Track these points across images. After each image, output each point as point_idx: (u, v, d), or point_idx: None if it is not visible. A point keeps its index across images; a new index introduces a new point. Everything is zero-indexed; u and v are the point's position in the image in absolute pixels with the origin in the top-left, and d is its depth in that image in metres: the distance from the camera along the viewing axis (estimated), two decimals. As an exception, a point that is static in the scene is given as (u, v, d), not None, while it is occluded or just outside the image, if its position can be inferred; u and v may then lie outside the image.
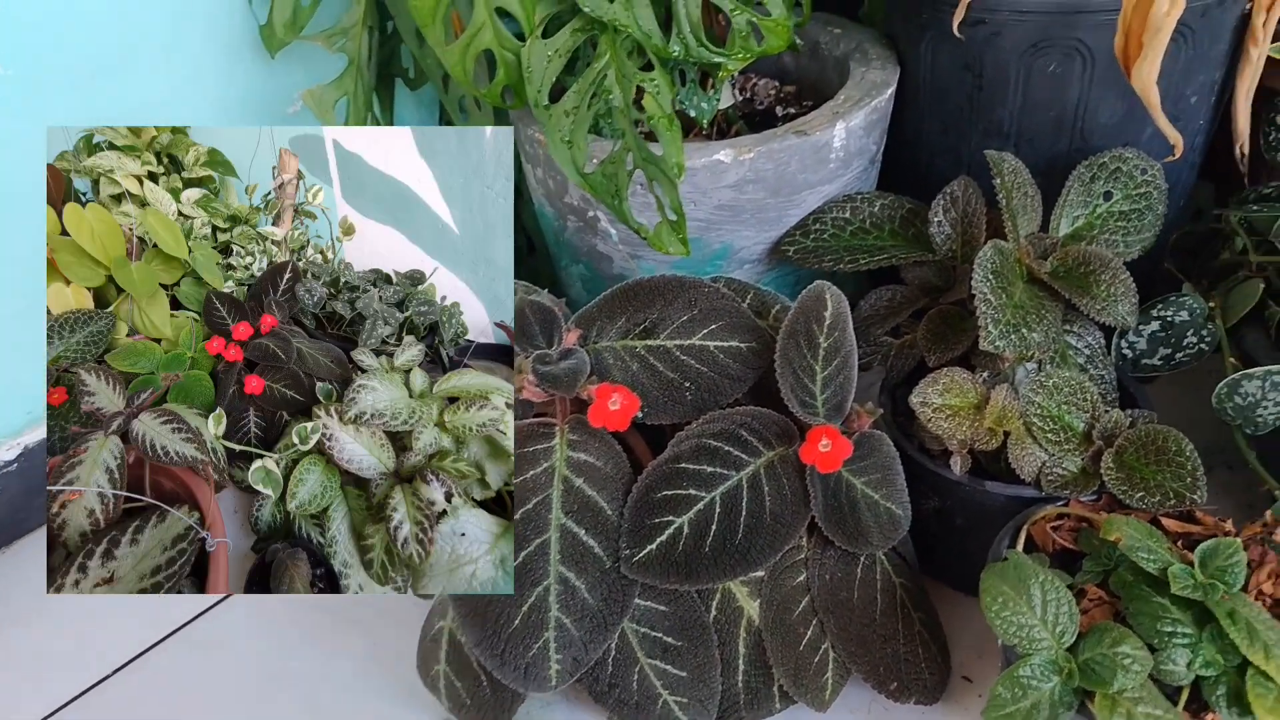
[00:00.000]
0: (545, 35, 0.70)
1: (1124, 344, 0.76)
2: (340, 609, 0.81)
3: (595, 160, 0.73)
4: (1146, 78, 0.64)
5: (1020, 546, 0.63)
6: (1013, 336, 0.67)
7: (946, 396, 0.67)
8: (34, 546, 0.91)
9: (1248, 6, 0.77)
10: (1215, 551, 0.57)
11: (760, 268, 0.84)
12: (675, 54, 0.70)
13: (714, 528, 0.64)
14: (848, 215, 0.81)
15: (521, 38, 0.70)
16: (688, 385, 0.67)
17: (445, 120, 1.02)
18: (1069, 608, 0.56)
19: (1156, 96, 0.65)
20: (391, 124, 0.95)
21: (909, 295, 0.78)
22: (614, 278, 0.87)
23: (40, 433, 0.89)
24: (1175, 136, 0.69)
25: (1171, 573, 0.56)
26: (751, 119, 0.93)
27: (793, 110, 0.93)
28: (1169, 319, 0.75)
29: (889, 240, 0.80)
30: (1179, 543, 0.62)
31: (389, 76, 0.92)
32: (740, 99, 0.95)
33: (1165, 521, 0.63)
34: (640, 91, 0.70)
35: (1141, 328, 0.76)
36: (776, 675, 0.67)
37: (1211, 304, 0.75)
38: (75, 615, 0.83)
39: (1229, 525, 0.62)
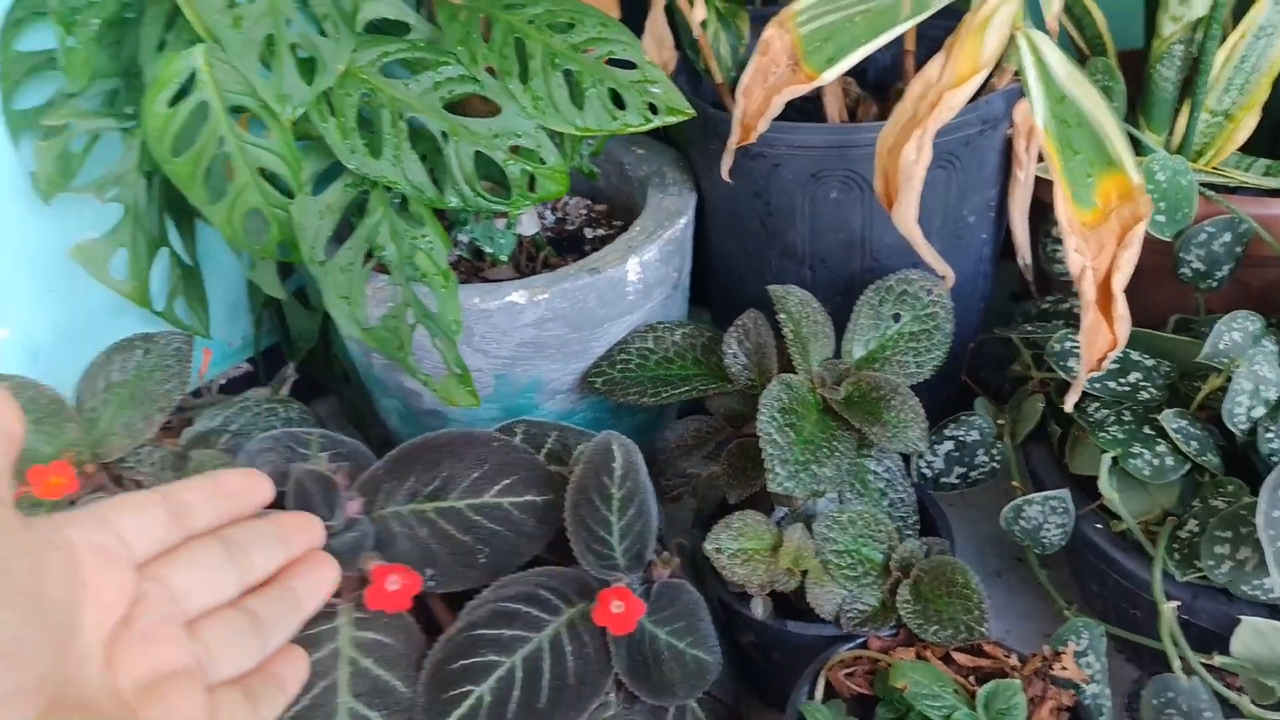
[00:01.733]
0: (315, 192, 0.69)
1: (922, 464, 0.78)
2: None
3: (376, 311, 0.71)
4: (906, 218, 0.66)
5: (819, 695, 0.63)
6: (802, 475, 0.68)
7: (740, 541, 0.67)
8: None
9: (1009, 131, 0.81)
10: (995, 694, 0.58)
11: (573, 398, 0.83)
12: (452, 204, 0.69)
13: (516, 693, 0.62)
14: (651, 345, 0.81)
15: (290, 194, 0.68)
16: (481, 547, 0.65)
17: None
18: (855, 768, 0.56)
19: (918, 234, 0.68)
20: (196, 261, 0.91)
21: (714, 426, 0.78)
22: (426, 412, 0.85)
23: None
24: (945, 270, 0.72)
25: (955, 719, 0.57)
26: (561, 241, 0.92)
27: (602, 231, 0.93)
28: (960, 438, 0.77)
29: (692, 369, 0.80)
30: (970, 678, 0.63)
31: (189, 212, 0.89)
32: (552, 219, 0.95)
33: (957, 655, 0.64)
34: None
35: (936, 447, 0.78)
36: (588, 842, 0.65)
37: (1000, 421, 0.78)
38: None
39: (1014, 659, 0.63)
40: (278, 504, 0.66)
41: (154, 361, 0.80)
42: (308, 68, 0.64)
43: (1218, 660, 0.61)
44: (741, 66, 0.90)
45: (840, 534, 0.68)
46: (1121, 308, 0.62)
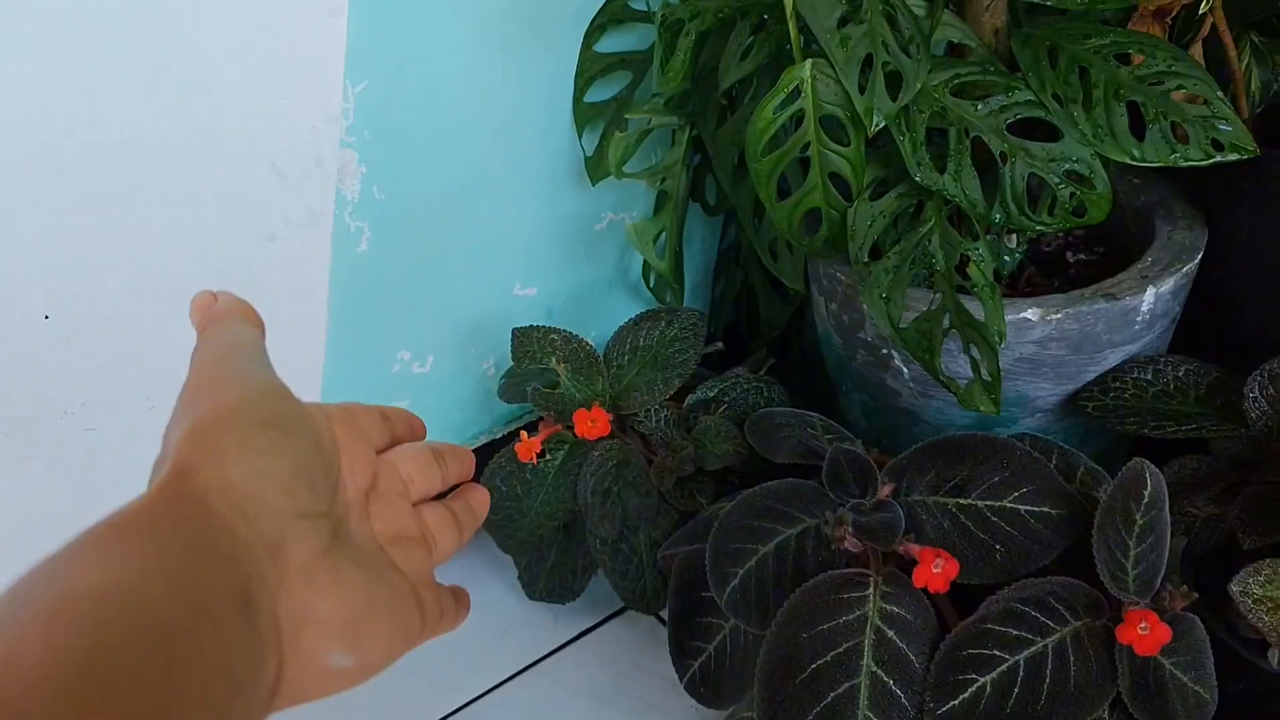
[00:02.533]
0: (872, 198, 0.75)
1: None
2: (616, 700, 0.87)
3: (910, 313, 0.77)
4: None
5: (1348, 756, 0.62)
6: (1344, 532, 0.66)
7: (1269, 588, 0.67)
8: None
9: None
10: None
11: (1052, 418, 0.85)
12: (996, 220, 0.73)
13: (1016, 690, 0.66)
14: (1150, 377, 0.81)
15: (849, 198, 0.75)
16: (997, 547, 0.69)
17: (733, 242, 1.08)
18: None
19: None
20: (680, 248, 1.02)
21: (1218, 468, 0.77)
22: (898, 410, 0.90)
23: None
24: None
25: None
26: (1040, 262, 0.94)
27: (1083, 256, 0.94)
28: None
29: (1194, 408, 0.80)
30: None
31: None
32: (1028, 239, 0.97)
33: None
34: (964, 258, 0.73)
35: None
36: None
37: None
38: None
39: None
40: (801, 472, 0.74)
41: (675, 332, 0.91)
42: (892, 84, 0.70)
43: None
44: (1269, 103, 0.87)
45: (1376, 600, 0.66)
46: None
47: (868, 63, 0.70)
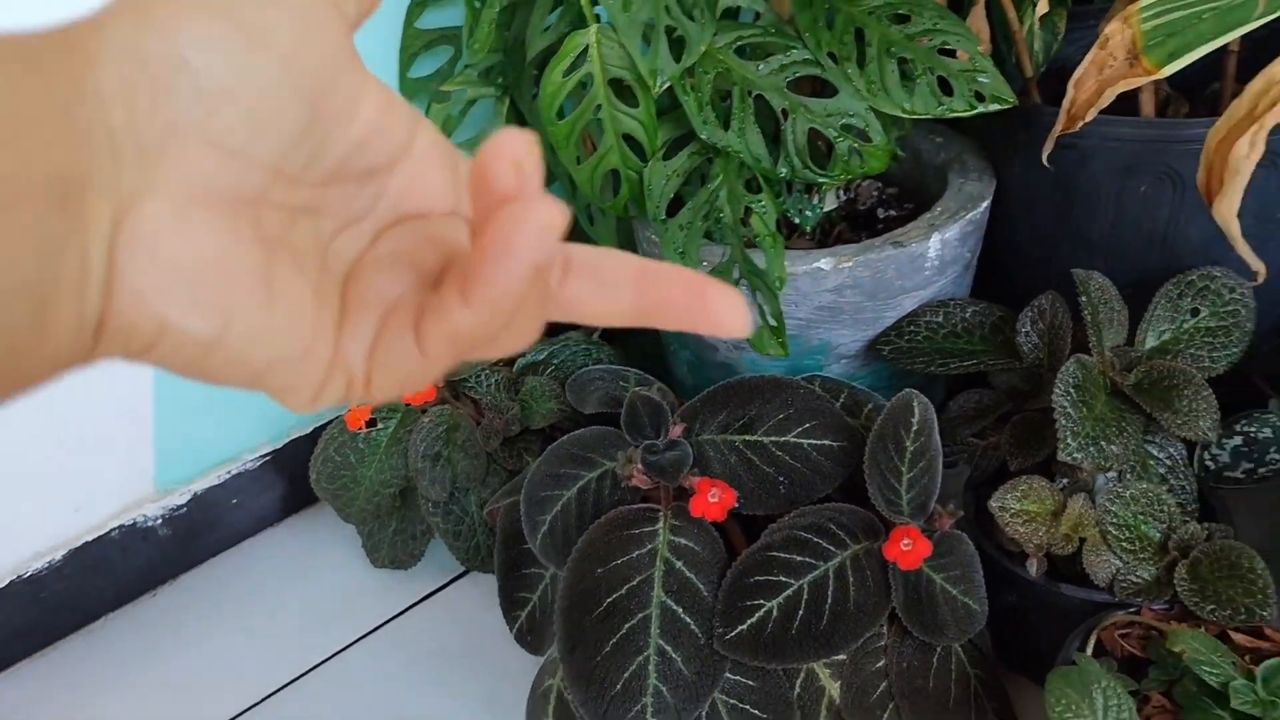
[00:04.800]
0: (665, 158, 0.79)
1: (1207, 456, 0.79)
2: (460, 659, 0.90)
3: (705, 265, 0.81)
4: (1227, 212, 0.68)
5: (1089, 650, 0.67)
6: (1091, 449, 0.71)
7: (1025, 503, 0.72)
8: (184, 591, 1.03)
9: (1340, 136, 0.80)
10: (1275, 672, 0.60)
11: (856, 363, 0.90)
12: (782, 174, 0.78)
13: (801, 613, 0.70)
14: (940, 320, 0.87)
15: (644, 158, 0.79)
16: (782, 480, 0.73)
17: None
18: (1130, 714, 0.60)
19: (1237, 228, 0.69)
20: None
21: (996, 400, 0.83)
22: (718, 365, 0.94)
23: (211, 480, 1.01)
24: (1258, 265, 0.73)
25: (1233, 688, 0.59)
26: (854, 219, 0.99)
27: (894, 213, 0.99)
28: (1252, 434, 0.78)
29: (979, 345, 0.85)
30: (1246, 657, 0.65)
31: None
32: (844, 199, 1.02)
33: (1234, 635, 0.66)
34: (748, 210, 0.77)
35: (1225, 441, 0.79)
36: (854, 753, 0.72)
37: (1296, 422, 0.78)
38: (220, 648, 0.94)
39: (1296, 644, 0.65)
40: (612, 422, 0.77)
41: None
42: (676, 47, 0.74)
43: None
44: (1051, 63, 0.93)
45: (1122, 509, 0.71)
46: None
47: (655, 27, 0.74)
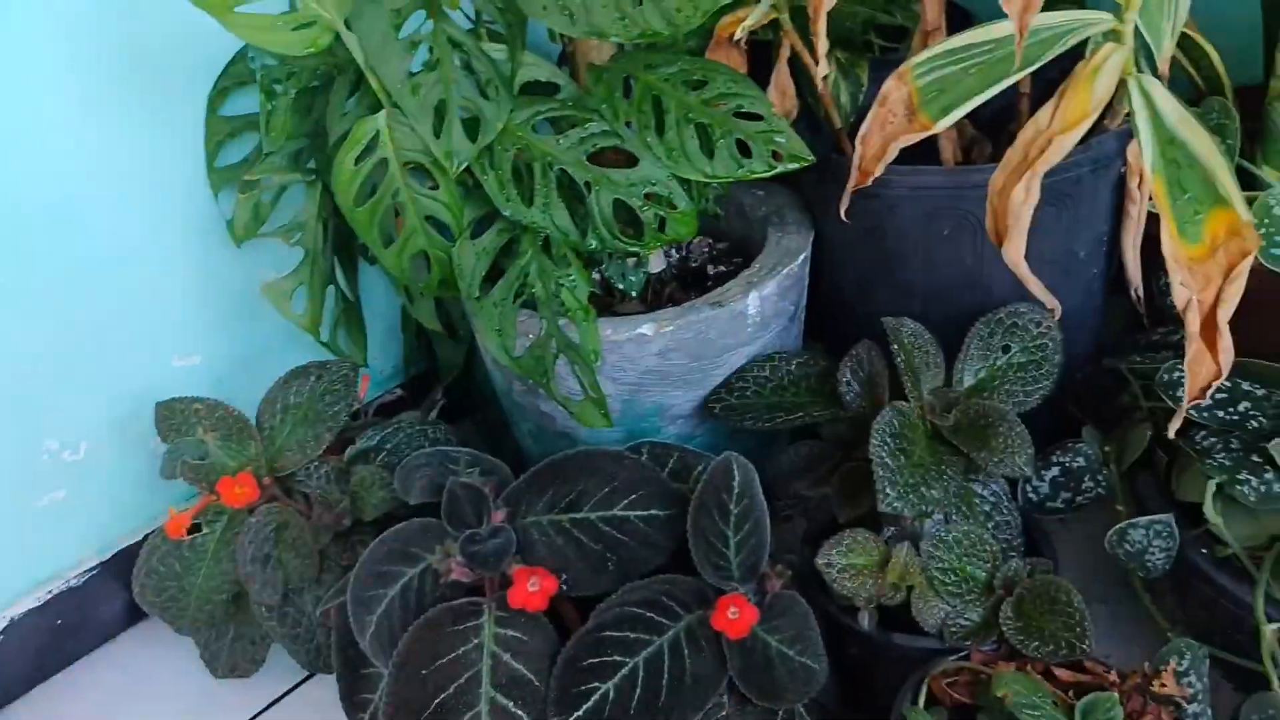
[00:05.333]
0: (474, 236, 0.78)
1: (1028, 488, 0.81)
2: None
3: (529, 336, 0.80)
4: (1015, 255, 0.70)
5: (921, 702, 0.67)
6: (911, 496, 0.72)
7: (850, 557, 0.72)
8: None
9: (1122, 169, 0.84)
10: (1093, 707, 0.61)
11: (692, 423, 0.90)
12: (593, 246, 0.77)
13: (638, 692, 0.69)
14: (768, 374, 0.87)
15: (452, 238, 0.77)
16: (610, 556, 0.72)
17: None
18: (954, 769, 0.60)
19: (1025, 269, 0.71)
20: (357, 297, 1.02)
21: (826, 450, 0.83)
22: (557, 434, 0.93)
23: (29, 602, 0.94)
24: (1052, 303, 0.75)
25: (1052, 729, 0.60)
26: (686, 277, 0.99)
27: (724, 268, 1.00)
28: (1067, 465, 0.80)
29: (805, 397, 0.86)
30: (1069, 693, 0.66)
31: (352, 254, 1.00)
32: (677, 258, 1.02)
33: (1057, 671, 0.67)
34: (560, 284, 0.77)
35: (1044, 473, 0.81)
36: (704, 830, 0.70)
37: (1106, 449, 0.80)
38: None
39: (1113, 675, 0.66)
40: (433, 513, 0.75)
41: (325, 386, 0.91)
42: (472, 126, 0.73)
43: (1326, 690, 0.62)
44: (860, 113, 0.95)
45: (946, 552, 0.72)
46: (1226, 340, 0.64)
47: (444, 108, 0.73)
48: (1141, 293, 0.90)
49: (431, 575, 0.71)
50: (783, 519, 0.83)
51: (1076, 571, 0.89)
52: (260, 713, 0.92)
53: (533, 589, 0.65)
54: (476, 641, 0.68)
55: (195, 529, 0.86)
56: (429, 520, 0.74)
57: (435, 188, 0.76)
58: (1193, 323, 0.64)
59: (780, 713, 0.72)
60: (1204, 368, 0.64)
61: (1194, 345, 0.64)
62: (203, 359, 1.00)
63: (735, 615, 0.67)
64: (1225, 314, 0.64)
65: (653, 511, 0.74)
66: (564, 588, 0.70)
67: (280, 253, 1.00)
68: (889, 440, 0.74)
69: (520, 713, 0.67)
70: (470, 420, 1.09)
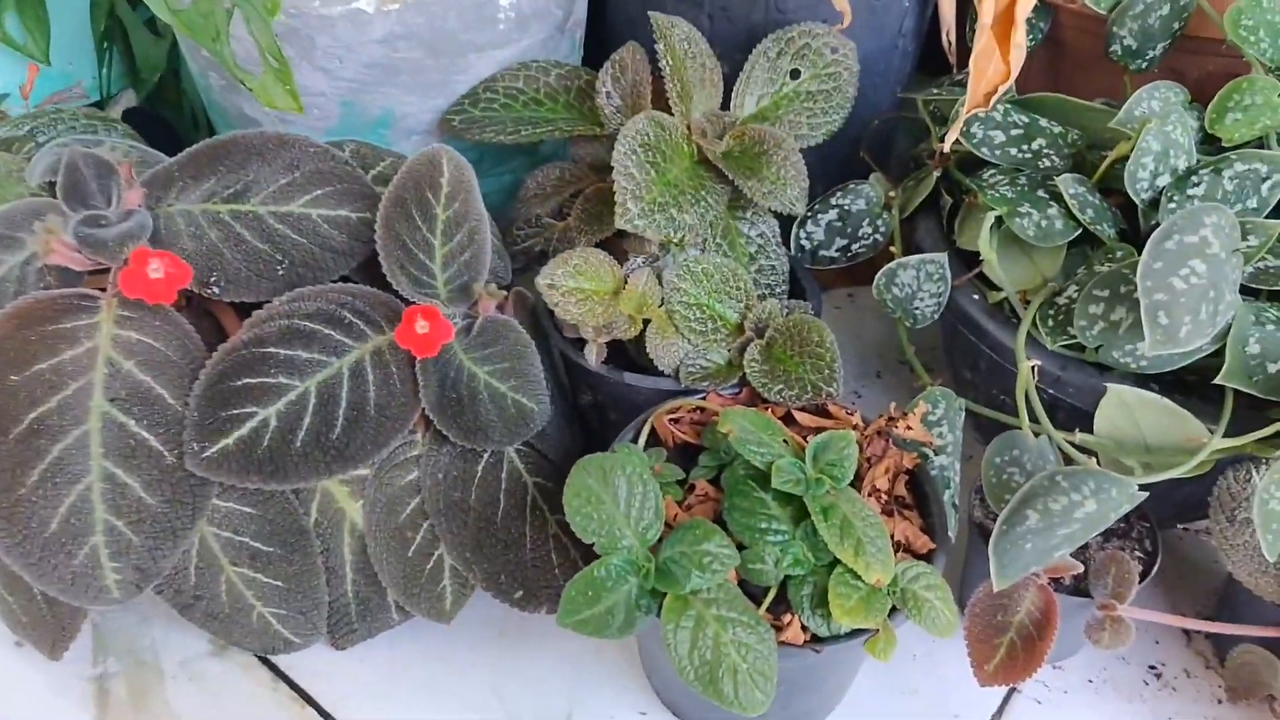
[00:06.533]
0: None
1: (802, 234, 0.72)
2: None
3: (199, -6, 0.62)
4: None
5: (642, 443, 0.58)
6: (657, 216, 0.61)
7: (579, 279, 0.61)
8: None
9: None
10: (826, 445, 0.53)
11: (430, 139, 0.75)
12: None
13: (308, 420, 0.56)
14: (521, 85, 0.73)
15: None
16: (280, 260, 0.58)
17: None
18: (655, 501, 0.50)
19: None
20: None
21: (576, 173, 0.71)
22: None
23: None
24: (842, 5, 0.63)
25: (775, 466, 0.51)
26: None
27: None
28: (846, 207, 0.70)
29: (562, 113, 0.72)
30: (808, 438, 0.57)
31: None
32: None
33: (799, 416, 0.59)
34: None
35: (820, 216, 0.71)
36: (384, 583, 0.60)
37: (891, 193, 0.71)
38: None
39: (857, 419, 0.58)
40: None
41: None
42: None
43: (1079, 438, 0.55)
44: None
45: (693, 285, 0.62)
46: (1020, 37, 0.54)
47: None
48: (953, 36, 0.80)
49: (41, 268, 0.56)
50: (524, 251, 0.71)
51: (857, 350, 0.82)
52: None
53: (154, 274, 0.51)
54: (90, 345, 0.54)
55: None
56: (47, 199, 0.58)
57: None
58: (986, 12, 0.54)
59: (486, 456, 0.61)
60: (991, 66, 0.55)
61: (983, 39, 0.54)
62: None
63: (425, 329, 0.55)
64: (1025, 8, 0.54)
65: (342, 212, 0.60)
66: (215, 290, 0.56)
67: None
68: (638, 151, 0.62)
69: (145, 434, 0.54)
70: (171, 136, 0.90)
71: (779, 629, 0.49)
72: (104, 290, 0.54)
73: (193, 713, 0.61)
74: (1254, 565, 0.56)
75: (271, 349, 0.56)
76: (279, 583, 0.59)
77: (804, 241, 0.71)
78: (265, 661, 0.63)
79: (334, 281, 0.59)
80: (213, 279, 0.56)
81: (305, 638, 0.61)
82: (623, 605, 0.49)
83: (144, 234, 0.55)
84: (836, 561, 0.49)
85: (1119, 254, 0.57)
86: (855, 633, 0.49)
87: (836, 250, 0.71)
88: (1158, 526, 0.60)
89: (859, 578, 0.49)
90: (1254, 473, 0.55)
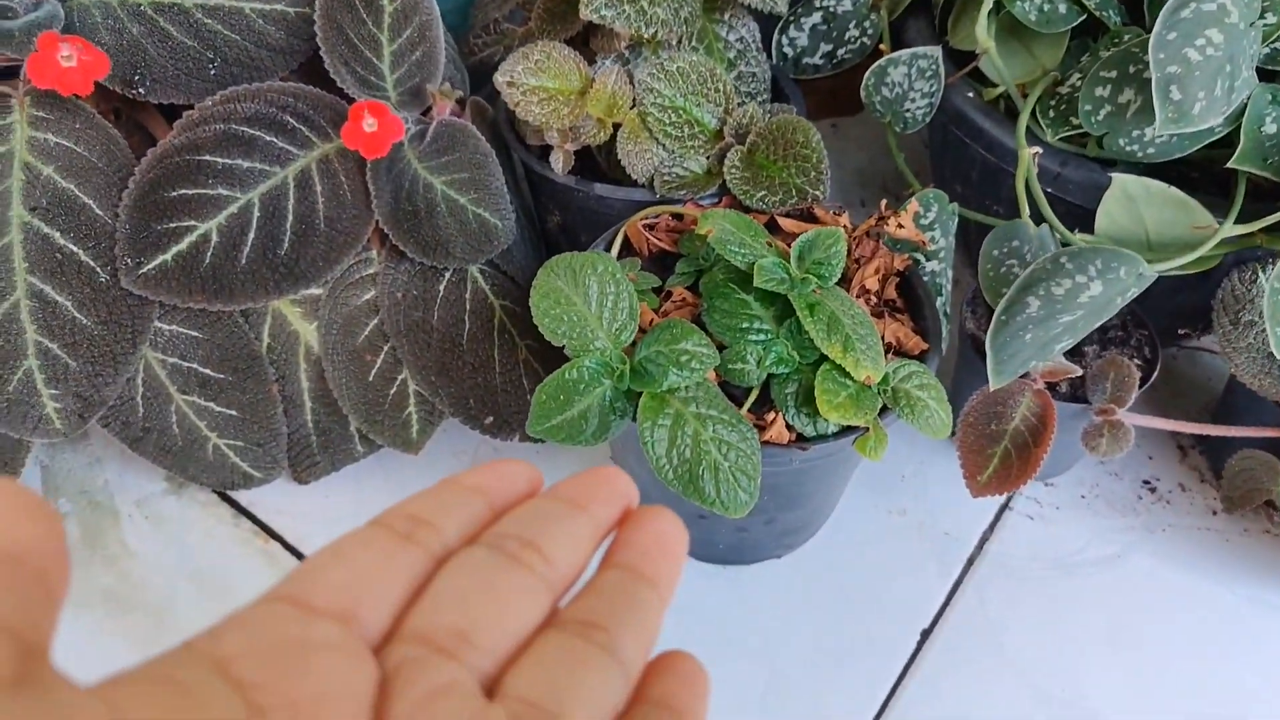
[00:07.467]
0: None
1: (785, 40, 0.66)
2: None
3: None
4: None
5: (615, 250, 0.54)
6: (626, 7, 0.55)
7: (542, 77, 0.56)
8: None
9: None
10: (813, 243, 0.49)
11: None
12: None
13: (252, 236, 0.52)
14: (474, -121, 0.66)
15: None
16: (212, 58, 0.53)
17: None
18: (629, 302, 0.47)
19: None
20: None
21: (540, -24, 0.65)
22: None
23: None
24: None
25: (758, 265, 0.48)
26: None
27: None
28: (831, 9, 0.65)
29: (521, -90, 0.66)
30: (791, 243, 0.54)
31: None
32: None
33: (782, 222, 0.55)
34: None
35: (804, 20, 0.66)
36: (345, 411, 0.57)
37: (879, -7, 0.65)
38: None
39: (845, 220, 0.54)
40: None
41: None
42: None
43: (1078, 237, 0.52)
44: None
45: (667, 86, 0.57)
46: None
47: None
48: None
49: (-59, 64, 0.50)
50: (482, 61, 0.66)
51: (844, 178, 0.78)
52: None
53: (66, 61, 0.46)
54: (4, 149, 0.49)
55: None
56: (-55, -4, 0.52)
57: None
58: None
59: (448, 274, 0.57)
60: None
61: None
62: None
63: (373, 127, 0.50)
64: None
65: (278, 6, 0.54)
66: (139, 92, 0.51)
67: None
68: (606, -65, 0.56)
69: (73, 247, 0.50)
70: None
71: (762, 429, 0.46)
72: (15, 90, 0.49)
73: (151, 552, 0.58)
74: (1258, 367, 0.53)
75: (208, 157, 0.51)
76: (233, 411, 0.56)
77: (786, 49, 0.66)
78: (225, 498, 0.61)
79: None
80: (136, 78, 0.51)
81: (265, 471, 0.58)
82: (596, 409, 0.46)
83: (54, 24, 0.49)
84: (823, 359, 0.46)
85: (1126, 37, 0.53)
86: (843, 432, 0.46)
87: (821, 57, 0.66)
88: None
89: (847, 375, 0.46)
90: (1260, 273, 0.52)
